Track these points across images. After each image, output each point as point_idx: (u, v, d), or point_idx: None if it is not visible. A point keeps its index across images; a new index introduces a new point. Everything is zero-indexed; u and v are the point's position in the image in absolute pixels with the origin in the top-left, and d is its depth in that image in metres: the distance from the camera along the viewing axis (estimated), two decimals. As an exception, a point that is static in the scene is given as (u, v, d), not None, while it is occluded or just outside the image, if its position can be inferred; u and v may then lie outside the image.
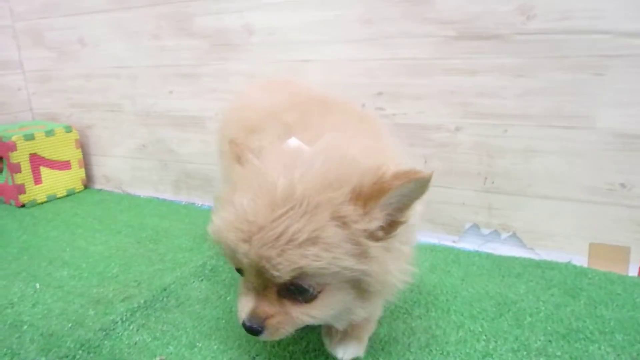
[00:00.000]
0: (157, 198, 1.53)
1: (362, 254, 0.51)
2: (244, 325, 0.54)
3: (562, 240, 1.01)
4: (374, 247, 0.51)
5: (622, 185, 0.95)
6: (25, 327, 0.84)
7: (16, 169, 1.45)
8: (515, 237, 1.06)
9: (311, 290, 0.52)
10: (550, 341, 0.75)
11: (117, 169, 1.60)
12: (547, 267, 0.97)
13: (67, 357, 0.75)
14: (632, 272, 0.97)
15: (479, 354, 0.72)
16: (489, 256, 1.04)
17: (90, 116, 1.59)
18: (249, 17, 1.23)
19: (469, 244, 1.10)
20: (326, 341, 0.69)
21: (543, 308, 0.83)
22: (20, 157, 1.45)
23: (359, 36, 1.11)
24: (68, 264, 1.08)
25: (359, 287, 0.53)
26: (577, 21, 0.93)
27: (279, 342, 0.76)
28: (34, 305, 0.92)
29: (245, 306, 0.55)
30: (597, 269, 0.98)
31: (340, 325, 0.60)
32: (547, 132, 0.99)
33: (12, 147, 1.43)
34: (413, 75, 1.09)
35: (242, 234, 0.50)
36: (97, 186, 1.66)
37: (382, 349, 0.74)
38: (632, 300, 0.85)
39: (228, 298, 0.91)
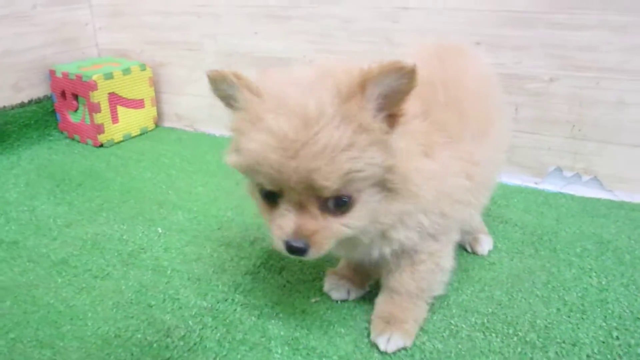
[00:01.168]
0: (235, 136, 1.58)
1: (386, 149, 0.56)
2: (287, 245, 0.58)
3: (639, 184, 1.14)
4: (393, 138, 0.57)
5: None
6: (169, 271, 0.90)
7: (96, 108, 1.46)
8: (595, 180, 1.18)
9: (348, 200, 0.57)
10: (653, 278, 0.89)
11: (191, 107, 1.62)
12: (629, 209, 1.11)
13: (226, 300, 0.82)
14: (701, 213, 1.12)
15: (595, 289, 0.86)
16: (573, 197, 1.17)
17: (165, 54, 1.58)
18: (350, -40, 1.22)
19: (550, 186, 1.23)
20: (372, 333, 0.74)
21: (637, 247, 0.97)
22: (100, 96, 1.46)
23: (466, -14, 1.13)
24: (179, 206, 1.13)
25: (385, 187, 0.59)
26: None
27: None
28: (166, 250, 0.96)
29: (285, 226, 0.58)
30: (671, 210, 1.12)
31: (367, 239, 0.64)
32: (636, 86, 1.07)
33: (93, 87, 1.43)
34: (515, 27, 1.13)
35: (287, 152, 0.53)
36: (167, 124, 1.69)
37: (512, 286, 0.87)
38: None
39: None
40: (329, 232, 0.58)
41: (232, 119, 0.60)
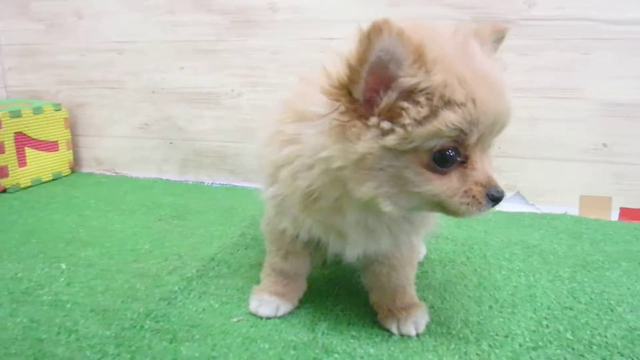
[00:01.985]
0: (161, 179, 1.52)
1: None
2: (492, 196, 0.56)
3: (557, 195, 1.19)
4: None
5: (604, 144, 1.15)
6: (68, 305, 0.80)
7: None
8: (519, 195, 1.22)
9: None
10: (575, 272, 0.91)
11: (112, 150, 1.55)
12: (550, 218, 1.15)
13: (134, 327, 0.73)
14: (614, 218, 1.17)
15: (524, 286, 0.86)
16: (499, 212, 1.19)
17: (84, 94, 1.52)
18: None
19: (478, 204, 1.25)
20: (392, 325, 0.72)
21: (559, 248, 1.00)
22: (4, 135, 1.35)
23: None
24: (90, 243, 1.04)
25: None
26: (570, 10, 1.10)
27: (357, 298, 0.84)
28: (68, 284, 0.86)
29: (484, 178, 0.56)
30: (587, 216, 1.17)
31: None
32: (547, 102, 1.16)
33: (-4, 124, 1.33)
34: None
35: (503, 93, 0.55)
36: (86, 170, 1.59)
37: (444, 290, 0.85)
38: (622, 238, 1.05)
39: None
40: None
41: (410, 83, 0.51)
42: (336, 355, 0.67)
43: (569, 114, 1.15)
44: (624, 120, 1.12)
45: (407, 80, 0.51)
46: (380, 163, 0.54)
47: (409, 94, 0.52)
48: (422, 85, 0.51)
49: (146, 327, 0.74)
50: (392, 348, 0.69)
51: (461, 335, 0.71)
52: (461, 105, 0.51)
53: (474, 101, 0.52)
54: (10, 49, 1.58)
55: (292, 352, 0.68)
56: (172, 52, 1.40)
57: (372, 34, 0.49)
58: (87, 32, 1.47)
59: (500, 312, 0.78)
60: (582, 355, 0.67)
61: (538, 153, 1.19)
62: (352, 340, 0.71)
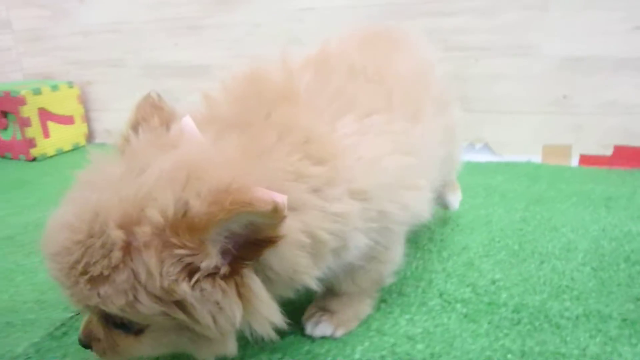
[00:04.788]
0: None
1: (177, 302, 0.42)
2: (79, 339, 0.51)
3: (522, 145, 1.30)
4: (191, 295, 0.42)
5: (564, 96, 1.26)
6: None
7: (26, 122, 1.52)
8: (486, 147, 1.34)
9: (131, 326, 0.46)
10: (528, 205, 1.03)
11: (119, 123, 1.67)
12: (514, 166, 1.27)
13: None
14: (574, 164, 1.29)
15: (483, 215, 0.99)
16: (469, 163, 1.30)
17: (90, 72, 1.65)
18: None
19: (451, 157, 1.37)
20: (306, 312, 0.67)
21: (518, 188, 1.12)
22: (30, 111, 1.52)
23: (358, -15, 1.31)
24: None
25: (194, 330, 0.46)
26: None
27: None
28: None
29: (84, 320, 0.51)
30: (548, 163, 1.29)
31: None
32: (507, 60, 1.26)
33: (22, 101, 1.49)
34: (402, 18, 1.31)
35: (52, 248, 0.44)
36: (99, 140, 1.74)
37: None
38: (578, 179, 1.17)
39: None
40: (109, 346, 0.49)
41: None
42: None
43: (528, 71, 1.26)
44: (581, 74, 1.23)
45: None
46: None
47: None
48: None
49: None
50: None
51: (425, 248, 0.85)
52: None
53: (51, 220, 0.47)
54: (22, 34, 1.71)
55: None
56: (165, 30, 1.52)
57: None
58: (87, 15, 1.60)
59: (460, 232, 0.91)
60: (525, 260, 0.80)
61: (502, 107, 1.30)
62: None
